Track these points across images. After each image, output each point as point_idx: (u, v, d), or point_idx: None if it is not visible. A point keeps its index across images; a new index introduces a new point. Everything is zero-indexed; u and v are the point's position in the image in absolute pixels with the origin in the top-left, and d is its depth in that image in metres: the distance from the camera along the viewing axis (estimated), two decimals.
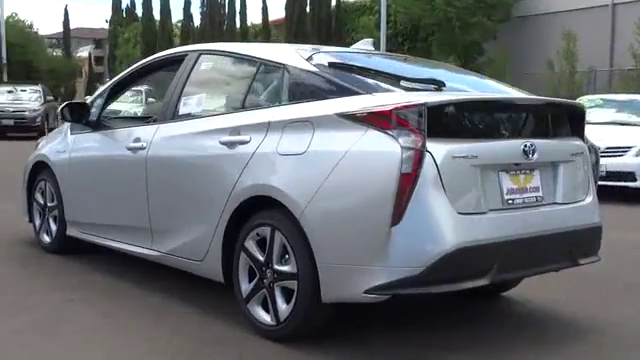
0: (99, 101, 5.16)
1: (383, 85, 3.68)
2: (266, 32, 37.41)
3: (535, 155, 3.58)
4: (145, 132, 4.53)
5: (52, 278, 4.86)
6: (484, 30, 24.87)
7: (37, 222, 5.70)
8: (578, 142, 3.98)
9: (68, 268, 5.08)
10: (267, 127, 3.73)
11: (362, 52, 4.60)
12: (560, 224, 3.70)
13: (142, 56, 26.47)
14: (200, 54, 4.48)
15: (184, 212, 4.19)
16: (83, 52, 63.71)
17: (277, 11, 77.42)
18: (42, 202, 5.60)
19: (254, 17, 65.88)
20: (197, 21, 42.21)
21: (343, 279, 3.32)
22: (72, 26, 57.86)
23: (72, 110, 5.12)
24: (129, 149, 4.57)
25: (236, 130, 3.88)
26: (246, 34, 38.09)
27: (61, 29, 57.65)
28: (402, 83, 3.66)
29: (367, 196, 3.28)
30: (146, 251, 4.49)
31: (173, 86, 4.48)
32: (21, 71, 36.78)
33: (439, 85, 3.67)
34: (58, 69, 48.66)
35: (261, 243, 3.67)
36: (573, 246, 3.78)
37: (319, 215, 3.39)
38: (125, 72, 5.26)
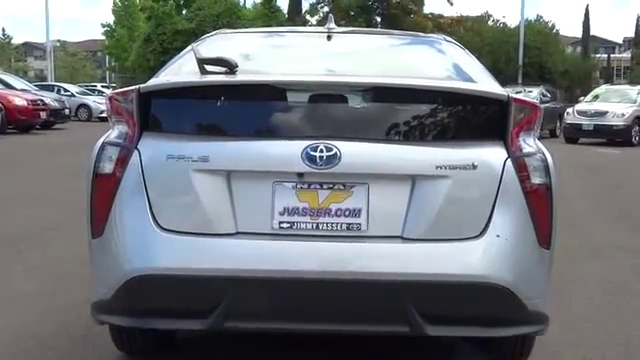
0: None
1: (182, 69, 3.06)
2: None
3: (337, 162, 2.54)
4: None
5: None
6: None
7: None
8: (472, 150, 2.63)
9: None
10: None
11: (285, 32, 4.27)
12: (390, 268, 2.52)
13: None
14: None
15: None
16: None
17: None
18: None
19: None
20: None
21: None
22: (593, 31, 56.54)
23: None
24: None
25: None
26: None
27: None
28: (207, 66, 2.86)
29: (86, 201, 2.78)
30: None
31: None
32: (535, 73, 37.18)
33: (229, 66, 2.80)
34: (572, 70, 47.69)
35: None
36: (413, 305, 2.53)
37: None
38: None
